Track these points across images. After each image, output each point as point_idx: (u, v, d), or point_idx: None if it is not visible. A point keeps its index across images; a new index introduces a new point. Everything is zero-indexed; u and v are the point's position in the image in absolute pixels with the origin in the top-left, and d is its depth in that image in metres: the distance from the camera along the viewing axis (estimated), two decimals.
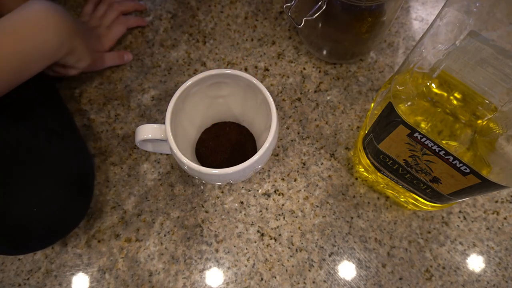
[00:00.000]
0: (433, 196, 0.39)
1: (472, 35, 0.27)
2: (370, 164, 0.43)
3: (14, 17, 0.38)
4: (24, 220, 0.36)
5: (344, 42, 0.50)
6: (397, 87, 0.31)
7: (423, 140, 0.31)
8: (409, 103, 0.30)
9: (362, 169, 0.47)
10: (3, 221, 0.36)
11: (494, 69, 0.26)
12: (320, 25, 0.47)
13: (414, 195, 0.43)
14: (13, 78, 0.37)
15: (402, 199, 0.46)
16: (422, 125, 0.30)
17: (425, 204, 0.43)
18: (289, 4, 0.43)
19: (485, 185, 0.30)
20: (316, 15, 0.41)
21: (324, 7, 0.41)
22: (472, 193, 0.34)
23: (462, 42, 0.27)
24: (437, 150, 0.31)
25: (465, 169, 0.30)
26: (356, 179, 0.48)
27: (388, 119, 0.33)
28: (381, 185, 0.46)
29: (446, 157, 0.30)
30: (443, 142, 0.30)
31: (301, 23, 0.42)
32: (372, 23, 0.45)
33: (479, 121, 0.27)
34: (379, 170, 0.43)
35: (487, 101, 0.27)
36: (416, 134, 0.31)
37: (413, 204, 0.45)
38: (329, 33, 0.48)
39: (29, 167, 0.38)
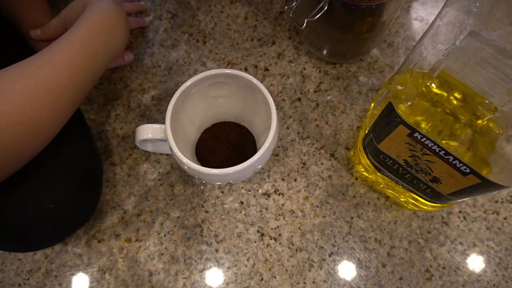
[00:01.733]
0: (433, 196, 0.39)
1: (472, 35, 0.27)
2: (370, 164, 0.43)
3: (91, 15, 0.40)
4: (36, 217, 0.36)
5: (344, 42, 0.50)
6: (397, 87, 0.31)
7: (423, 140, 0.31)
8: (409, 103, 0.30)
9: (362, 169, 0.47)
10: (15, 219, 0.36)
11: (494, 69, 0.26)
12: (320, 25, 0.47)
13: (414, 195, 0.43)
14: (91, 80, 0.39)
15: (402, 199, 0.46)
16: (422, 125, 0.30)
17: (425, 204, 0.43)
18: (290, 5, 0.43)
19: (485, 185, 0.30)
20: (318, 16, 0.41)
21: (326, 8, 0.41)
22: (472, 193, 0.34)
23: (462, 42, 0.27)
24: (437, 150, 0.31)
25: (465, 169, 0.30)
26: (356, 179, 0.48)
27: (388, 119, 0.33)
28: (381, 185, 0.46)
29: (446, 157, 0.31)
30: (443, 142, 0.30)
31: (303, 24, 0.42)
32: (372, 23, 0.45)
33: (479, 121, 0.27)
34: (379, 170, 0.43)
35: (487, 101, 0.27)
36: (416, 134, 0.31)
37: (413, 204, 0.45)
38: (329, 33, 0.48)
39: (40, 163, 0.37)
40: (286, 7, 0.43)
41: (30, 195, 0.36)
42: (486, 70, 0.26)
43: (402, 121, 0.31)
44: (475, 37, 0.26)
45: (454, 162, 0.30)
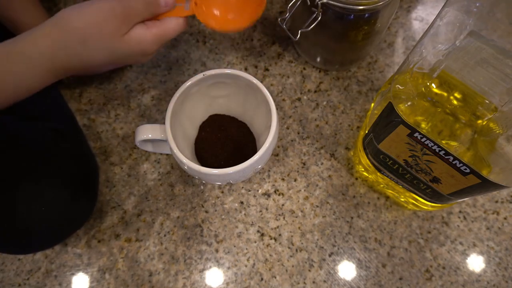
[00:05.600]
0: (433, 196, 0.39)
1: (472, 35, 0.27)
2: (370, 164, 0.43)
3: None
4: (28, 221, 0.36)
5: (340, 51, 0.49)
6: (397, 87, 0.31)
7: (423, 140, 0.31)
8: (409, 103, 0.30)
9: (362, 169, 0.47)
10: (7, 222, 0.36)
11: (494, 69, 0.26)
12: (315, 35, 0.46)
13: (414, 195, 0.43)
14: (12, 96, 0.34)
15: (402, 199, 0.46)
16: (422, 125, 0.30)
17: (425, 204, 0.43)
18: (283, 17, 0.42)
19: (485, 185, 0.30)
20: (312, 26, 0.41)
21: (319, 18, 0.40)
22: (472, 193, 0.34)
23: (462, 42, 0.27)
24: (437, 150, 0.31)
25: (465, 169, 0.30)
26: (356, 179, 0.48)
27: (388, 119, 0.33)
28: (381, 185, 0.46)
29: (446, 157, 0.31)
30: (443, 142, 0.30)
31: (297, 36, 0.42)
32: (367, 31, 0.44)
33: (479, 121, 0.27)
34: (379, 170, 0.43)
35: (487, 101, 0.27)
36: (416, 134, 0.31)
37: (413, 204, 0.45)
38: (324, 43, 0.48)
39: (34, 167, 0.38)
40: (279, 19, 0.43)
41: (20, 199, 0.36)
42: (486, 70, 0.26)
43: (402, 121, 0.31)
44: (475, 37, 0.26)
45: (454, 162, 0.30)
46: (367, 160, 0.43)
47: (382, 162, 0.40)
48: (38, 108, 0.44)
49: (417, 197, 0.42)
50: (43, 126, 0.41)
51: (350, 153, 0.49)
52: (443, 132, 0.30)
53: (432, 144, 0.31)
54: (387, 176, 0.42)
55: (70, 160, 0.40)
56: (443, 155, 0.31)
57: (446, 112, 0.28)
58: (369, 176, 0.47)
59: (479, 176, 0.30)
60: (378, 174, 0.44)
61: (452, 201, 0.38)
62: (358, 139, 0.47)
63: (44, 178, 0.38)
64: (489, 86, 0.26)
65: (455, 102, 0.28)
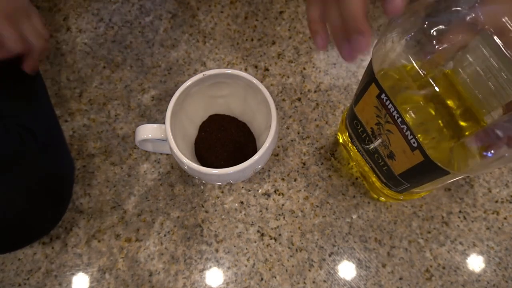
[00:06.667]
0: (388, 177, 0.39)
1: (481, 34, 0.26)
2: (347, 136, 0.44)
3: None
4: None
5: None
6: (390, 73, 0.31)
7: (387, 103, 0.31)
8: (397, 78, 0.30)
9: (341, 141, 0.48)
10: None
11: (495, 81, 0.25)
12: None
13: (376, 179, 0.43)
14: None
15: (370, 181, 0.45)
16: (406, 117, 0.30)
17: (383, 188, 0.43)
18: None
19: (428, 165, 0.30)
20: None
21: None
22: (418, 176, 0.33)
23: (471, 43, 0.27)
24: (396, 117, 0.31)
25: (414, 142, 0.30)
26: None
27: (366, 78, 0.34)
28: (353, 164, 0.47)
29: (401, 126, 0.31)
30: (419, 135, 0.30)
31: None
32: None
33: (465, 131, 0.27)
34: (351, 139, 0.43)
35: (480, 112, 0.26)
36: (383, 96, 0.31)
37: (377, 189, 0.44)
38: None
39: None
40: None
41: None
42: (488, 80, 0.25)
43: (374, 79, 0.31)
44: (483, 37, 0.26)
45: (406, 133, 0.30)
46: (345, 131, 0.44)
47: (355, 129, 0.41)
48: (4, 102, 0.41)
49: (377, 180, 0.42)
50: (8, 121, 0.38)
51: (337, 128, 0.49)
52: (423, 125, 0.30)
53: (393, 110, 0.31)
54: (356, 148, 0.43)
55: (34, 162, 0.38)
56: (400, 123, 0.31)
57: (434, 109, 0.28)
58: (344, 152, 0.48)
59: (423, 153, 0.30)
60: (350, 145, 0.44)
61: (404, 186, 0.38)
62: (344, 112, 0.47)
63: (3, 179, 0.36)
64: (486, 98, 0.26)
65: (450, 104, 0.28)
